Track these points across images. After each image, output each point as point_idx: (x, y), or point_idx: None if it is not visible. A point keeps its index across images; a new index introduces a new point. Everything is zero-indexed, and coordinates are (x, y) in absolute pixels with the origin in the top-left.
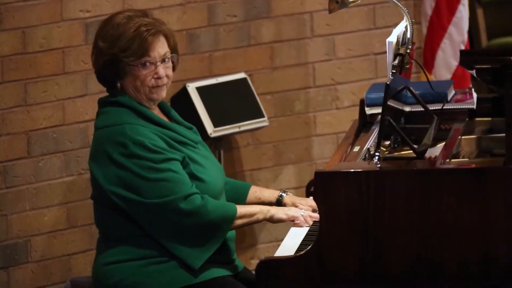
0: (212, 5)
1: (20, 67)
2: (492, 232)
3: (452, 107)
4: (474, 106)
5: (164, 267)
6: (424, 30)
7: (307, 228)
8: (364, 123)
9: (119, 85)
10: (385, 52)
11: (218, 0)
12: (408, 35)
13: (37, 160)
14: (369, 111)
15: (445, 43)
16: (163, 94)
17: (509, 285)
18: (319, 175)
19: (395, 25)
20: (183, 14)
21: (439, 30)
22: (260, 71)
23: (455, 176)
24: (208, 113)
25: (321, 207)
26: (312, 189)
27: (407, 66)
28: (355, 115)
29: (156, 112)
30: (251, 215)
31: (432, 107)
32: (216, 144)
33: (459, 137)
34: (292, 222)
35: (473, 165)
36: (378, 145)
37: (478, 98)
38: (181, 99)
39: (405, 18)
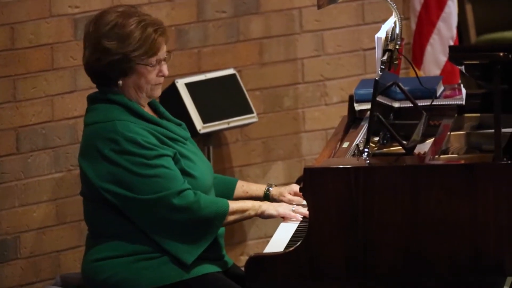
0: (201, 1)
1: (9, 63)
2: (481, 227)
3: (441, 103)
4: (463, 102)
5: (153, 264)
6: (413, 26)
7: (297, 224)
8: (353, 119)
9: (120, 82)
10: (374, 48)
11: None
12: (397, 30)
13: (26, 156)
14: (358, 107)
15: (434, 39)
16: (160, 91)
17: (498, 280)
18: (308, 171)
19: (384, 20)
20: (171, 10)
21: (428, 26)
22: (249, 67)
23: (444, 172)
24: (197, 109)
25: (310, 203)
26: (301, 185)
27: (396, 62)
28: (344, 111)
29: (146, 109)
30: (243, 211)
31: (421, 103)
32: (205, 140)
33: (448, 133)
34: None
35: (462, 161)
36: (367, 141)
37: (467, 94)
38: (170, 95)
39: (394, 13)
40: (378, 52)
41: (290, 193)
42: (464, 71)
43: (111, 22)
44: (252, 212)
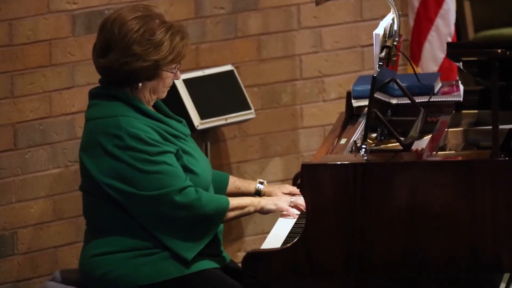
0: None
1: (7, 59)
2: (478, 224)
3: (439, 99)
4: (461, 99)
5: (151, 259)
6: (411, 23)
7: (294, 220)
8: (351, 116)
9: (140, 85)
10: (372, 45)
11: None
12: (395, 27)
13: (24, 152)
14: (356, 103)
15: (432, 36)
16: (166, 93)
17: (496, 277)
18: (305, 167)
19: (382, 17)
20: (170, 6)
21: (426, 23)
22: (247, 63)
23: (442, 168)
24: (194, 105)
25: (308, 200)
26: (298, 182)
27: (394, 59)
28: (342, 107)
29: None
30: (243, 207)
31: (419, 99)
32: (203, 136)
33: (446, 129)
34: (280, 212)
35: (460, 158)
36: (364, 138)
37: (465, 91)
38: (168, 91)
39: (392, 10)
40: (376, 48)
41: (283, 193)
42: (462, 67)
43: (141, 29)
44: (251, 208)
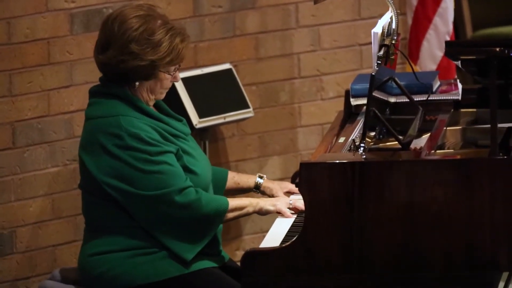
0: None
1: (5, 57)
2: (477, 223)
3: (437, 98)
4: (459, 97)
5: (150, 259)
6: (409, 21)
7: (293, 219)
8: (349, 114)
9: (137, 84)
10: (371, 43)
11: None
12: (393, 26)
13: (22, 151)
14: (354, 102)
15: (430, 34)
16: (165, 94)
17: (494, 276)
18: (304, 166)
19: (380, 15)
20: (168, 5)
21: (424, 21)
22: (245, 62)
23: (440, 167)
24: (193, 104)
25: (306, 198)
26: (297, 180)
27: (392, 57)
28: (340, 106)
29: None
30: (242, 208)
31: (417, 98)
32: (201, 135)
33: (444, 128)
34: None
35: (458, 157)
36: (363, 136)
37: (463, 89)
38: None
39: (390, 8)
40: (375, 47)
41: (284, 192)
42: (460, 66)
43: (140, 27)
44: (250, 209)
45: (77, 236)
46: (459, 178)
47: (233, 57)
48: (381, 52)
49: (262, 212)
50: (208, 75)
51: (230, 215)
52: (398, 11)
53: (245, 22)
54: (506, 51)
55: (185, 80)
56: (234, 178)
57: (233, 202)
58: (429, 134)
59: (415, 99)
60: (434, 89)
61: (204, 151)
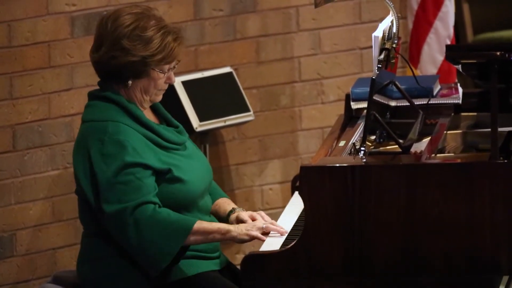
0: None
1: (6, 60)
2: (477, 226)
3: (438, 102)
4: (460, 101)
5: None
6: (410, 25)
7: (293, 223)
8: (350, 118)
9: (130, 83)
10: (371, 47)
11: None
12: (394, 29)
13: (23, 153)
14: (354, 105)
15: (431, 38)
16: (161, 97)
17: (494, 279)
18: (304, 169)
19: (381, 19)
20: (169, 8)
21: (425, 25)
22: (245, 65)
23: (441, 171)
24: (193, 107)
25: (307, 202)
26: (297, 184)
27: (393, 61)
28: (341, 109)
29: (147, 111)
30: (208, 233)
31: (417, 101)
32: (201, 138)
33: (445, 132)
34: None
35: (459, 160)
36: (363, 140)
37: (463, 93)
38: (167, 93)
39: (391, 12)
40: (375, 51)
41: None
42: (461, 70)
43: (132, 24)
44: (217, 236)
45: (77, 239)
46: (460, 181)
47: (234, 60)
48: (382, 56)
49: (235, 241)
50: (208, 78)
51: (193, 238)
52: (399, 14)
53: (246, 25)
54: (507, 55)
55: (185, 84)
56: (215, 206)
57: (200, 225)
58: (429, 138)
59: (415, 103)
60: (434, 93)
61: (205, 154)
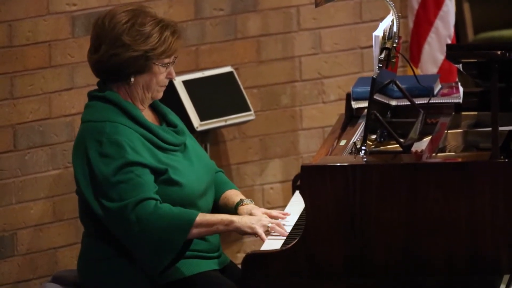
0: None
1: (7, 60)
2: (478, 226)
3: (439, 101)
4: (461, 100)
5: None
6: (411, 24)
7: (294, 222)
8: (351, 117)
9: (132, 80)
10: (372, 46)
11: None
12: (395, 29)
13: (23, 153)
14: (355, 105)
15: (432, 37)
16: (162, 94)
17: (495, 278)
18: (305, 169)
19: (382, 19)
20: (169, 8)
21: (426, 24)
22: (246, 65)
23: (442, 170)
24: (194, 106)
25: (307, 201)
26: (298, 183)
27: (394, 60)
28: (342, 109)
29: (146, 111)
30: (211, 224)
31: (418, 101)
32: (202, 137)
33: (445, 131)
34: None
35: (459, 159)
36: (364, 139)
37: (464, 92)
38: (167, 93)
39: (391, 12)
40: (376, 50)
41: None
42: (461, 69)
43: (130, 21)
44: (220, 227)
45: (78, 238)
46: (460, 181)
47: (235, 60)
48: (382, 55)
49: (238, 232)
50: (209, 78)
51: (196, 231)
52: (399, 14)
53: (247, 25)
54: (507, 54)
55: (186, 83)
56: (224, 199)
57: (203, 217)
58: (430, 137)
59: (416, 102)
60: (435, 92)
61: None
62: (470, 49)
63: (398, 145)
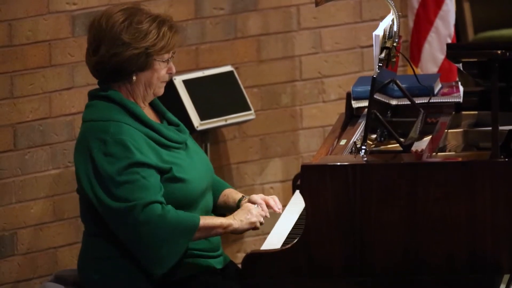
0: None
1: (7, 59)
2: (478, 225)
3: (439, 100)
4: (461, 100)
5: None
6: (411, 24)
7: (294, 221)
8: (351, 117)
9: (134, 78)
10: (372, 46)
11: None
12: (395, 28)
13: (24, 152)
14: (355, 104)
15: (432, 37)
16: (163, 90)
17: (495, 278)
18: (305, 168)
19: (382, 18)
20: (169, 7)
21: (426, 24)
22: (246, 64)
23: (442, 169)
24: (194, 106)
25: (308, 201)
26: (298, 183)
27: (394, 60)
28: (342, 108)
29: (147, 109)
30: (211, 228)
31: (418, 100)
32: (202, 137)
33: (446, 130)
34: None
35: (460, 159)
36: (364, 139)
37: (464, 92)
38: (168, 92)
39: (391, 11)
40: (376, 49)
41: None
42: (461, 68)
43: (127, 19)
44: (220, 230)
45: (78, 238)
46: (461, 180)
47: (235, 59)
48: (383, 55)
49: (237, 233)
50: (209, 77)
51: (197, 235)
52: (400, 13)
53: (247, 24)
54: (508, 54)
55: (186, 82)
56: (224, 197)
57: (204, 221)
58: (430, 136)
59: (416, 102)
60: (435, 92)
61: (205, 153)
62: (470, 48)
63: (398, 145)
